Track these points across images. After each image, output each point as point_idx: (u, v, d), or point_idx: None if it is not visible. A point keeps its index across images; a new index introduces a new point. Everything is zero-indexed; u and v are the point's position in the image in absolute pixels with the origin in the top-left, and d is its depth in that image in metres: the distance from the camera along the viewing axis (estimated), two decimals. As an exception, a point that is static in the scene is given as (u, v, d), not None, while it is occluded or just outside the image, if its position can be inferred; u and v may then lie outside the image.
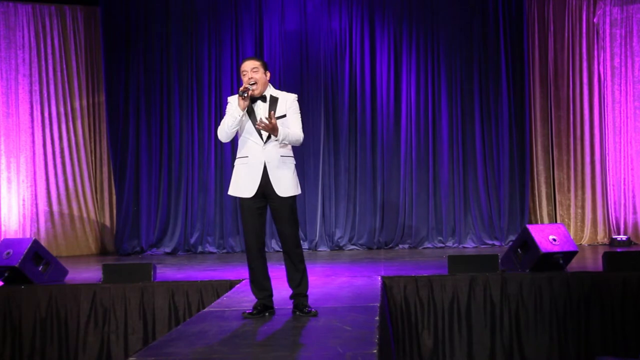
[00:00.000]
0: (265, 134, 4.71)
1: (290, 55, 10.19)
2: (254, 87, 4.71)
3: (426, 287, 6.44)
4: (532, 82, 10.18)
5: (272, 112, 4.69)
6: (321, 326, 4.47)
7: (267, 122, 4.59)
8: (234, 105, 4.76)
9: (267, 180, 4.71)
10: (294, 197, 4.82)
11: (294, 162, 4.87)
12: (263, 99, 4.78)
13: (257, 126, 4.66)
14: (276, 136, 4.67)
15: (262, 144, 4.72)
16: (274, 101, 4.79)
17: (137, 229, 10.08)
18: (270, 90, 4.85)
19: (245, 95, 4.64)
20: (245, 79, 4.74)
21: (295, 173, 4.87)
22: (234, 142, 10.36)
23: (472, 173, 10.07)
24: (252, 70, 4.74)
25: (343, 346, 3.85)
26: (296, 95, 4.93)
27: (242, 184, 4.76)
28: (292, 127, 4.81)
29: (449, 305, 6.42)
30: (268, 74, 4.83)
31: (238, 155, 4.83)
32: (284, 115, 4.80)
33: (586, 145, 10.04)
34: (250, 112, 4.75)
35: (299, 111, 4.90)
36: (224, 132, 4.75)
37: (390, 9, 10.19)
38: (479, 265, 6.56)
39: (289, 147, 4.83)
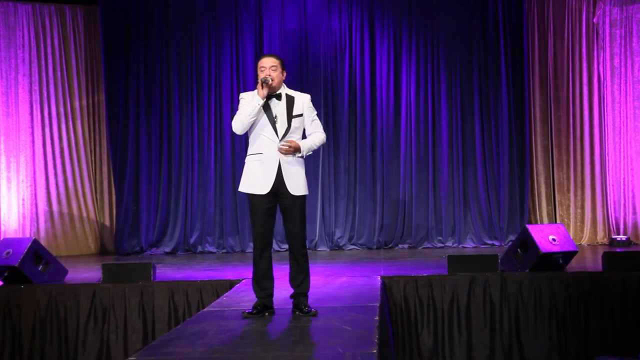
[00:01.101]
0: (281, 131, 4.75)
1: (290, 55, 10.18)
2: (272, 82, 4.73)
3: (426, 287, 6.44)
4: (531, 83, 10.18)
5: (288, 139, 4.75)
6: (321, 326, 4.47)
7: (287, 147, 4.69)
8: (248, 100, 4.78)
9: (281, 178, 4.73)
10: (304, 197, 4.85)
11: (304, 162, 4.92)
12: (278, 97, 4.80)
13: (279, 150, 4.70)
14: (301, 153, 4.77)
15: (278, 141, 4.74)
16: (290, 101, 4.83)
17: (136, 229, 10.08)
18: (285, 90, 4.87)
19: (266, 83, 4.68)
20: (262, 75, 4.75)
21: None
22: (234, 141, 10.37)
23: (471, 173, 10.08)
24: (270, 68, 4.77)
25: (343, 346, 3.86)
26: (310, 95, 4.97)
27: (256, 180, 4.76)
28: (313, 129, 4.90)
29: (449, 305, 6.43)
30: (284, 74, 4.87)
31: (251, 152, 4.83)
32: (301, 115, 4.84)
33: (586, 145, 10.04)
34: (266, 109, 4.77)
35: (315, 110, 4.97)
36: (241, 122, 4.74)
37: (390, 9, 10.20)
38: (479, 265, 6.56)
39: None
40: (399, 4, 10.19)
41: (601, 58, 9.97)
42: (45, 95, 10.03)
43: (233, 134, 10.08)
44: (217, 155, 10.16)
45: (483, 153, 10.07)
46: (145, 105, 10.13)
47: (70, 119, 10.20)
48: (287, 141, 4.72)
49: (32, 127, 9.96)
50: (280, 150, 4.71)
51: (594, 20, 10.02)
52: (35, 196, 9.89)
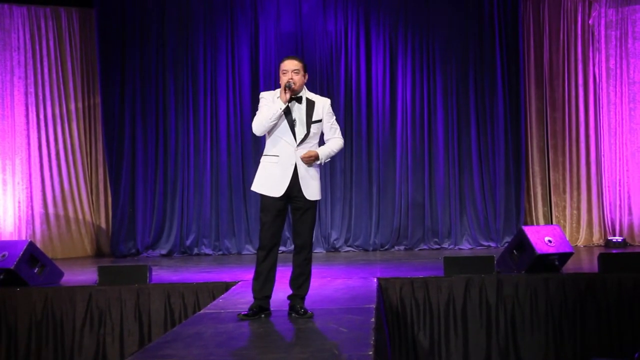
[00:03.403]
0: (299, 136, 4.75)
1: (285, 57, 10.17)
2: (294, 85, 4.73)
3: (422, 289, 6.45)
4: (527, 84, 10.20)
5: (307, 149, 4.76)
6: (317, 328, 4.47)
7: (307, 158, 4.71)
8: (268, 100, 4.78)
9: (296, 181, 4.74)
10: (317, 202, 4.86)
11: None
12: (299, 100, 4.79)
13: (302, 159, 4.72)
14: (319, 161, 4.78)
15: (295, 145, 4.74)
16: (310, 105, 4.82)
17: (132, 231, 10.06)
18: (306, 93, 4.86)
19: (289, 87, 4.68)
20: (285, 78, 4.73)
21: None
22: (230, 143, 10.34)
23: (467, 174, 10.09)
24: (292, 72, 4.75)
25: (339, 347, 3.85)
26: (330, 100, 4.97)
27: (271, 182, 4.76)
28: (332, 135, 4.89)
29: (445, 306, 6.43)
30: (306, 76, 4.85)
31: (267, 153, 4.83)
32: (320, 120, 4.83)
33: (581, 146, 10.06)
34: (286, 112, 4.75)
35: (334, 115, 4.96)
36: (262, 125, 4.73)
37: (386, 11, 10.20)
38: (475, 267, 6.57)
39: None
40: (395, 5, 10.20)
41: (596, 59, 9.99)
42: (40, 97, 10.01)
43: (229, 136, 10.13)
44: (213, 158, 10.15)
45: (479, 154, 10.08)
46: (141, 108, 10.12)
47: (66, 121, 10.17)
48: (306, 153, 4.72)
49: (28, 130, 9.93)
50: (303, 160, 4.72)
51: (590, 21, 10.03)
52: (31, 198, 9.87)
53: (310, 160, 4.74)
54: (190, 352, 3.92)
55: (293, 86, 4.69)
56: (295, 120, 4.75)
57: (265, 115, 4.71)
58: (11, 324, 6.48)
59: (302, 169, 4.75)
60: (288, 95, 4.68)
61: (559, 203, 10.18)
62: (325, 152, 4.83)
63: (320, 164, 4.83)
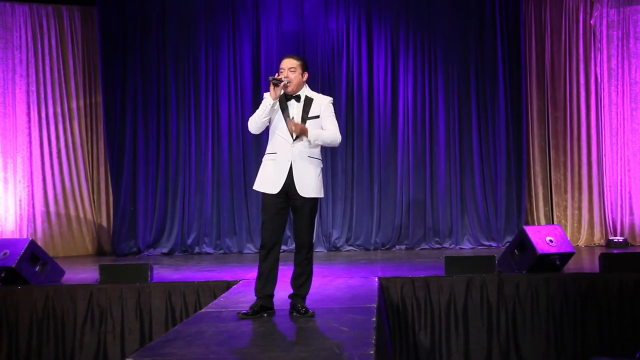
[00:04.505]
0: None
1: (287, 56, 10.17)
2: (288, 84, 4.72)
3: (423, 288, 6.45)
4: (529, 84, 10.20)
5: (294, 120, 4.71)
6: (318, 327, 4.47)
7: (294, 125, 4.65)
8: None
9: (292, 179, 4.72)
10: (315, 200, 4.82)
11: (321, 165, 4.88)
12: (297, 98, 4.79)
13: (288, 126, 4.68)
14: (307, 137, 4.71)
15: (291, 141, 4.73)
16: (308, 102, 4.80)
17: (134, 230, 10.07)
18: (306, 91, 4.85)
19: (278, 83, 4.65)
20: (280, 77, 4.73)
21: (321, 175, 4.85)
22: (231, 142, 10.35)
23: (469, 174, 10.08)
24: (289, 70, 4.75)
25: (340, 347, 3.86)
26: (331, 99, 4.94)
27: (268, 179, 4.77)
28: (327, 127, 4.83)
29: (446, 306, 6.43)
30: (305, 75, 4.83)
31: (267, 151, 4.85)
32: (317, 116, 4.81)
33: (583, 146, 10.05)
34: (284, 110, 4.77)
35: (334, 114, 4.90)
36: (255, 122, 4.78)
37: (388, 10, 10.20)
38: (476, 266, 6.57)
39: (318, 148, 4.85)
40: (396, 4, 10.19)
41: (598, 59, 9.99)
42: (42, 96, 10.01)
43: (230, 134, 10.14)
44: (214, 156, 10.15)
45: (480, 154, 10.08)
46: (143, 106, 10.13)
47: (67, 120, 10.18)
48: (297, 124, 4.69)
49: (30, 128, 9.94)
50: (289, 125, 4.68)
51: (591, 21, 10.03)
52: (32, 197, 9.88)
53: (298, 128, 4.67)
54: (191, 351, 3.92)
55: (285, 83, 4.69)
56: (293, 118, 4.75)
57: (257, 112, 4.76)
58: (12, 323, 6.49)
59: (298, 165, 4.72)
60: (278, 92, 4.68)
61: (560, 203, 10.18)
62: (315, 132, 4.75)
63: (310, 142, 4.73)
